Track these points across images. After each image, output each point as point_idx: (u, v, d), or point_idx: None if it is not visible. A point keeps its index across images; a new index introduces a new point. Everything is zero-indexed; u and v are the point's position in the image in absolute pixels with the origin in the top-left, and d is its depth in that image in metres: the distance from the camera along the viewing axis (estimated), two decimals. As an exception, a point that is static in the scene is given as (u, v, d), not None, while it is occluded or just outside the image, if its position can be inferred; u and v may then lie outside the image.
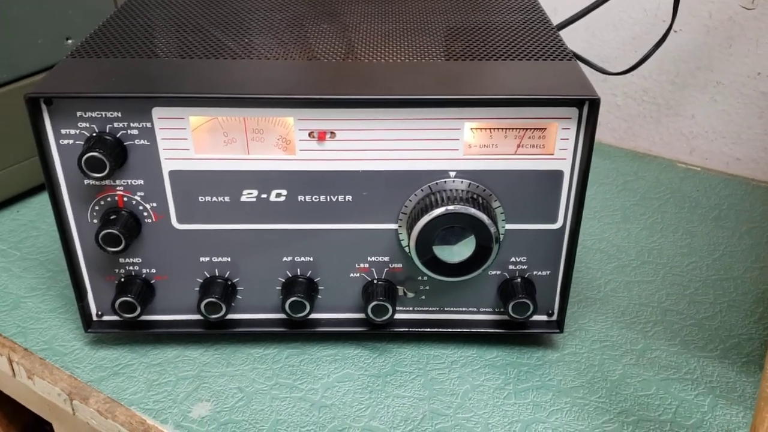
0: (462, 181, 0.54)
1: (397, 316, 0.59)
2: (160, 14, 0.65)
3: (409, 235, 0.54)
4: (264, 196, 0.55)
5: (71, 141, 0.53)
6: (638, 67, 0.74)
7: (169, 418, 0.55)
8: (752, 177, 0.85)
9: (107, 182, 0.54)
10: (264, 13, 0.66)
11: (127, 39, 0.59)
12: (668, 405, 0.56)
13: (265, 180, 0.54)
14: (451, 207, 0.53)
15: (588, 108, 0.51)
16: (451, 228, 0.53)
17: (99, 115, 0.52)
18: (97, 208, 0.55)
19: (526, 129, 0.53)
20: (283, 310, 0.57)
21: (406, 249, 0.56)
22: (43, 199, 0.81)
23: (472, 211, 0.53)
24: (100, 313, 0.60)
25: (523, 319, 0.58)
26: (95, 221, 0.56)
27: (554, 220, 0.56)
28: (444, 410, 0.56)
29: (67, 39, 0.78)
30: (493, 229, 0.53)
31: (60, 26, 0.77)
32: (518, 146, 0.54)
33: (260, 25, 0.63)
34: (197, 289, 0.59)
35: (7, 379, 0.64)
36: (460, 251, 0.54)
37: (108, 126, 0.52)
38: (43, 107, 0.52)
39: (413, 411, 0.56)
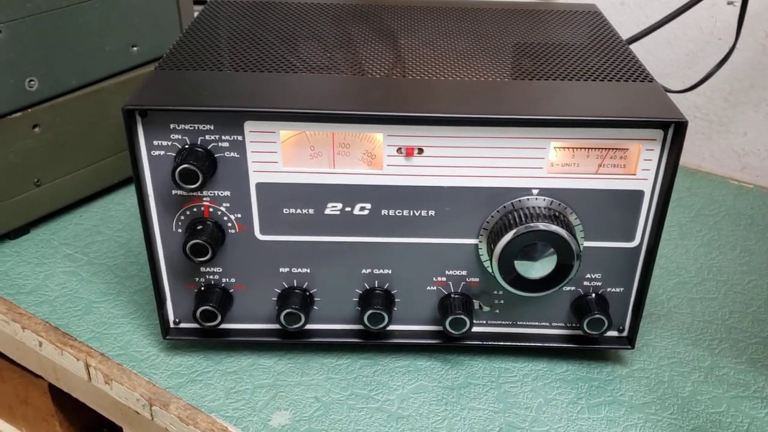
0: (544, 199, 0.55)
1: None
2: (233, 28, 0.66)
3: (492, 250, 0.55)
4: (348, 209, 0.56)
5: (162, 152, 0.54)
6: (701, 84, 0.75)
7: (250, 426, 0.56)
8: (804, 195, 0.86)
9: (195, 193, 0.55)
10: (336, 28, 0.67)
11: (209, 52, 0.60)
12: (740, 423, 0.57)
13: (350, 193, 0.55)
14: (533, 224, 0.54)
15: (674, 130, 0.52)
16: (534, 244, 0.54)
17: (192, 128, 0.53)
18: (182, 218, 0.56)
19: (609, 149, 0.54)
20: (362, 322, 0.58)
21: (486, 264, 0.57)
22: (104, 204, 0.82)
23: (555, 228, 0.54)
24: (177, 320, 0.61)
25: (598, 335, 0.59)
26: (179, 230, 0.57)
27: (632, 239, 0.57)
28: (519, 424, 0.56)
29: (133, 46, 0.79)
30: (575, 247, 0.54)
31: (126, 34, 0.78)
32: (600, 165, 0.54)
33: (336, 41, 0.64)
34: (275, 299, 0.59)
35: (80, 383, 0.66)
36: (541, 267, 0.55)
37: (200, 138, 0.53)
38: (138, 119, 0.52)
39: (489, 424, 0.56)
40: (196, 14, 0.85)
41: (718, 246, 0.77)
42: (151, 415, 0.59)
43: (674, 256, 0.75)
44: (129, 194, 0.84)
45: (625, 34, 0.80)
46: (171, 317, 0.61)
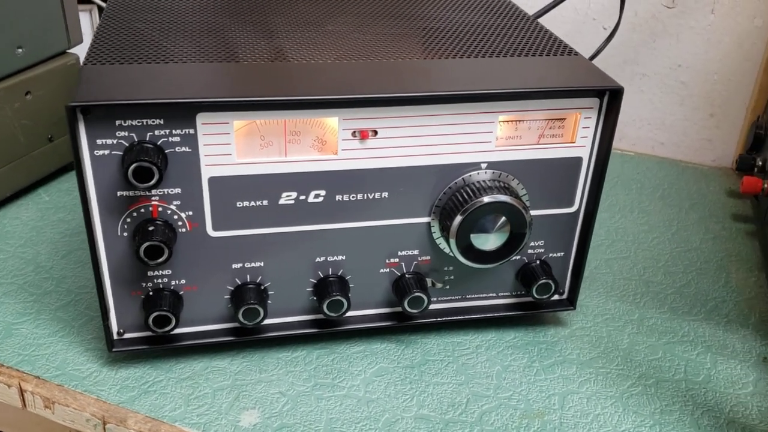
0: (493, 172, 0.57)
1: (426, 307, 0.61)
2: (154, 17, 0.63)
3: (446, 227, 0.56)
4: (302, 197, 0.55)
5: (107, 152, 0.50)
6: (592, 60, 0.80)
7: (220, 430, 0.54)
8: (677, 158, 0.94)
9: (143, 193, 0.52)
10: (280, 14, 0.66)
11: (139, 43, 0.57)
12: (677, 366, 0.62)
13: (305, 181, 0.54)
14: (486, 197, 0.55)
15: (609, 98, 0.56)
16: (488, 217, 0.56)
17: (139, 123, 0.50)
18: (128, 220, 0.53)
19: (548, 120, 0.57)
20: (321, 311, 0.58)
21: (438, 241, 0.58)
22: (-4, 220, 0.75)
23: (508, 199, 0.56)
24: (121, 330, 0.57)
25: (546, 299, 0.61)
26: (125, 234, 0.53)
27: (571, 204, 0.60)
28: (484, 392, 0.58)
29: (18, 48, 0.73)
30: (526, 216, 0.56)
31: (10, 35, 0.72)
32: (540, 136, 0.57)
33: (281, 27, 0.63)
34: (227, 297, 0.58)
35: (9, 413, 0.60)
36: (496, 238, 0.57)
37: (148, 134, 0.50)
38: (80, 117, 0.49)
39: (456, 396, 0.58)
40: (81, 14, 0.80)
41: (618, 210, 0.82)
42: (105, 434, 0.55)
43: (582, 223, 0.80)
44: (22, 208, 0.77)
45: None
46: (114, 328, 0.57)
